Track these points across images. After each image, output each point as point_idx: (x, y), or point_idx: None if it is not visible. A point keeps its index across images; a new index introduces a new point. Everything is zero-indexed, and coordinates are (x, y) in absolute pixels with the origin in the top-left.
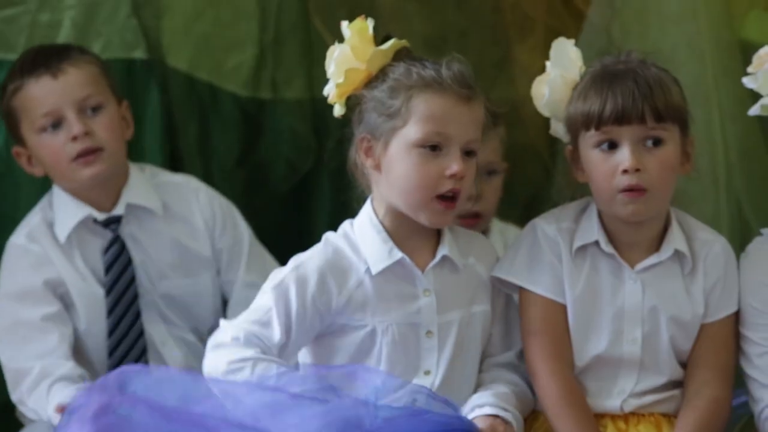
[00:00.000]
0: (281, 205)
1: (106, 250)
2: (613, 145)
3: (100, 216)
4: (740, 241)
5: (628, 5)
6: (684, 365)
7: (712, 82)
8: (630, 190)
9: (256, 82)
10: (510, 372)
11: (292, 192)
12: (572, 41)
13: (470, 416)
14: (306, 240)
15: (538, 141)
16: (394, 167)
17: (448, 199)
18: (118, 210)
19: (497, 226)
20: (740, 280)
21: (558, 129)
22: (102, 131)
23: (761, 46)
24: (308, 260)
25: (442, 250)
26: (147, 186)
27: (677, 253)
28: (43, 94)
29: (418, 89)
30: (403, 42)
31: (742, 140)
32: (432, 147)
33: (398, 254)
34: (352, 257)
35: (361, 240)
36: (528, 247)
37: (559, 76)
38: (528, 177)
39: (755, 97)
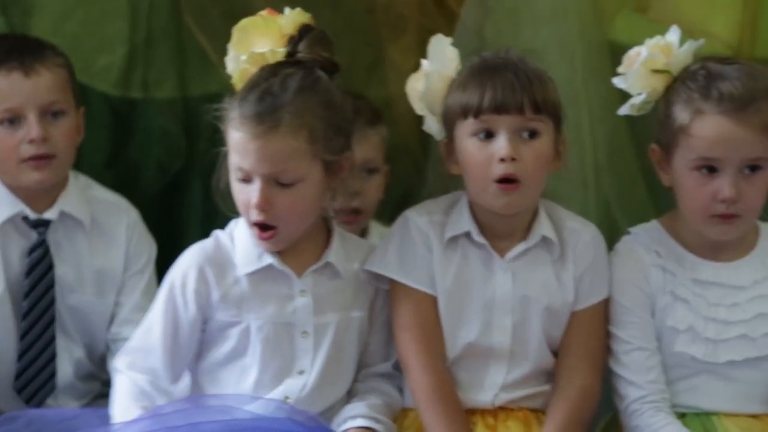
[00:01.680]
0: (151, 206)
1: (30, 251)
2: (489, 135)
3: (32, 215)
4: (609, 241)
5: (500, 5)
6: (556, 355)
7: (582, 83)
8: (505, 180)
9: (126, 82)
10: (385, 382)
11: (163, 193)
12: (449, 39)
13: (342, 428)
14: (177, 242)
15: (411, 140)
16: None
17: (260, 225)
18: (51, 215)
19: (377, 229)
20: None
21: (431, 125)
22: (60, 138)
23: (630, 47)
24: (189, 255)
25: (327, 257)
26: (81, 197)
27: (545, 240)
28: (10, 89)
29: (228, 121)
30: (279, 53)
31: (611, 141)
32: (242, 177)
33: (268, 259)
34: (232, 254)
35: (238, 239)
36: (399, 240)
37: (435, 71)
38: (400, 176)
39: (623, 97)
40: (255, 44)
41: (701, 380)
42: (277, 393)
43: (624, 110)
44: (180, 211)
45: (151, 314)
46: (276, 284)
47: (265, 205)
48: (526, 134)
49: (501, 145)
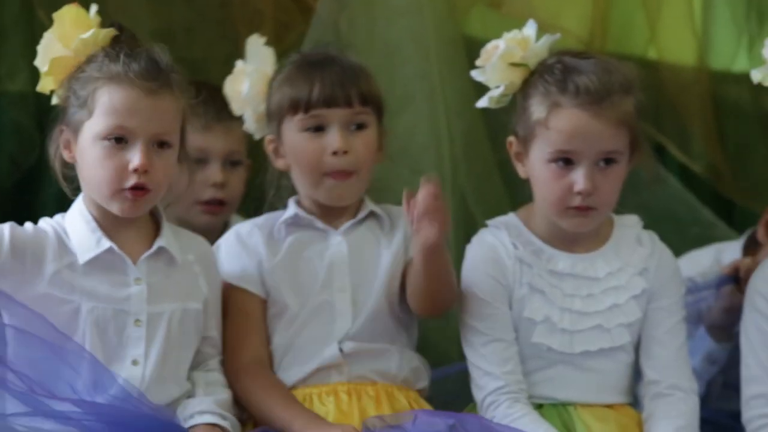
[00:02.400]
0: (4, 202)
1: None
2: (319, 129)
3: None
4: (465, 234)
5: None
6: (400, 312)
7: (438, 77)
8: (339, 172)
9: None
10: None
11: (16, 188)
12: (263, 39)
13: (190, 422)
14: None
15: None
16: (84, 160)
17: (138, 189)
18: None
19: (238, 220)
20: (464, 269)
21: (250, 125)
22: None
23: (484, 41)
24: (30, 225)
25: (159, 242)
26: None
27: (374, 215)
28: None
29: (103, 81)
30: (111, 31)
31: (467, 135)
32: (116, 140)
33: (106, 243)
34: (68, 243)
35: (71, 230)
36: (226, 248)
37: (256, 70)
38: (259, 171)
39: (479, 92)
40: (73, 33)
41: (558, 371)
42: None
43: (482, 103)
44: (33, 208)
45: None
46: (112, 272)
47: (149, 166)
48: (354, 127)
49: (333, 138)
